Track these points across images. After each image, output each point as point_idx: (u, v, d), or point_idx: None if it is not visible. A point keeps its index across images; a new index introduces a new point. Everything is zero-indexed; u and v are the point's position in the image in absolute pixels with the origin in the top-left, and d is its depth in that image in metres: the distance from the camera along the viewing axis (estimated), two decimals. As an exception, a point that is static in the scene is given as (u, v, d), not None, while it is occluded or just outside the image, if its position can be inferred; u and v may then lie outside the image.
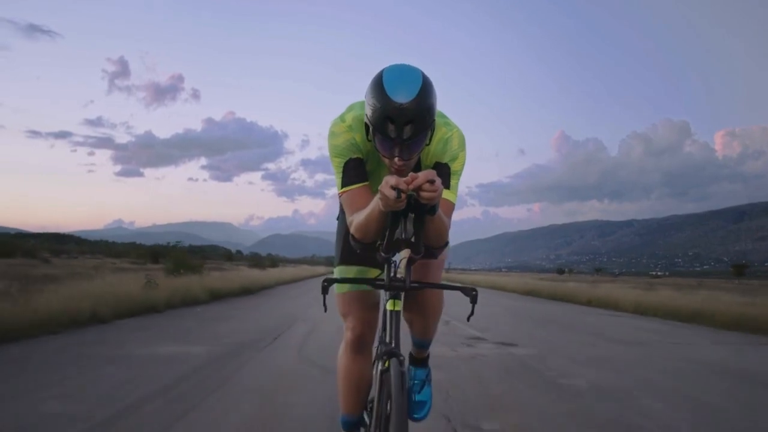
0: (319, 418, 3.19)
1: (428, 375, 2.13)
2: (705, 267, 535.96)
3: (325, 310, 1.70)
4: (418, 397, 2.02)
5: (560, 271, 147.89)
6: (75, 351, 5.37)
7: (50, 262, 29.92)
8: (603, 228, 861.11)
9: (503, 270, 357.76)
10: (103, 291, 8.56)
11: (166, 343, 6.05)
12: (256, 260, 55.59)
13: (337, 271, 2.07)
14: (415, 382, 2.06)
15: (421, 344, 2.09)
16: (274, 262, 57.65)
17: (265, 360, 5.25)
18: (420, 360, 2.12)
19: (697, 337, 8.72)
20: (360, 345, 2.00)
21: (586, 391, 4.27)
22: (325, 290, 1.61)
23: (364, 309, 1.99)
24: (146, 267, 22.92)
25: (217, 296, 13.00)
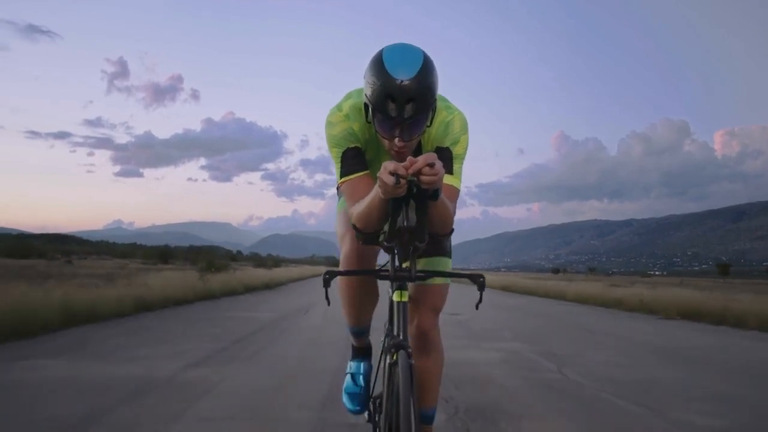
0: (341, 342, 5.59)
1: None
2: (704, 266, 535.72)
3: (329, 304, 1.60)
4: None
5: (555, 271, 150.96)
6: (200, 316, 8.81)
7: (72, 263, 30.92)
8: (602, 228, 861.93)
9: (502, 270, 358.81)
10: (174, 284, 11.61)
11: (245, 312, 9.78)
12: (260, 260, 56.74)
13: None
14: None
15: (423, 416, 1.88)
16: (276, 262, 58.77)
17: (305, 320, 8.64)
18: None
19: (596, 313, 12.66)
20: (360, 259, 1.81)
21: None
22: (326, 283, 1.54)
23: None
24: (172, 267, 24.04)
25: (250, 289, 16.37)
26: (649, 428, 3.10)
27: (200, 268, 18.00)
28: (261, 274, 22.65)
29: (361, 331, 2.02)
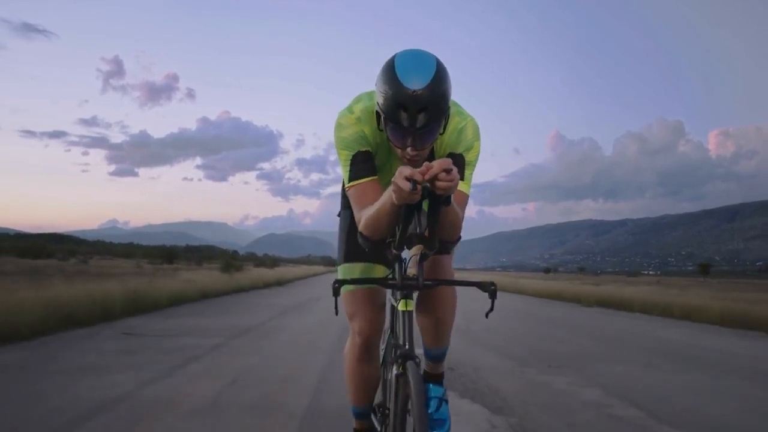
0: (343, 316, 8.30)
1: (445, 394, 1.91)
2: (697, 266, 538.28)
3: (337, 314, 1.62)
4: (436, 416, 1.84)
5: (546, 271, 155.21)
6: (251, 301, 12.52)
7: (87, 262, 31.96)
8: (597, 227, 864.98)
9: (498, 270, 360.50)
10: (210, 280, 14.15)
11: (275, 299, 13.24)
12: (260, 260, 57.85)
13: (341, 270, 1.98)
14: (432, 398, 1.85)
15: (436, 356, 1.95)
16: (275, 262, 59.90)
17: (318, 305, 11.71)
18: (435, 376, 1.98)
19: (544, 305, 15.35)
20: (367, 347, 1.92)
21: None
22: (336, 292, 1.53)
23: (373, 309, 1.89)
24: (184, 267, 25.26)
25: (267, 285, 19.71)
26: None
27: (223, 267, 20.66)
28: (269, 274, 24.72)
29: (365, 411, 2.02)
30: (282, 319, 8.68)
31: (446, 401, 1.86)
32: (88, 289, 7.88)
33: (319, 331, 7.11)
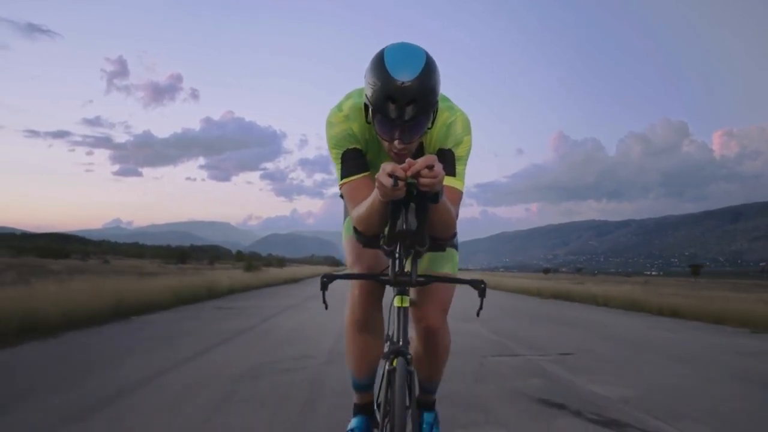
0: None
1: (436, 418, 1.97)
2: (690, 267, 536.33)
3: (326, 308, 1.62)
4: None
5: (546, 271, 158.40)
6: (281, 293, 14.76)
7: (109, 262, 33.33)
8: (600, 228, 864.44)
9: (501, 270, 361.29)
10: (240, 277, 16.52)
11: (297, 291, 16.09)
12: (266, 260, 59.23)
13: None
14: (424, 426, 1.91)
15: (428, 390, 1.97)
16: (283, 262, 61.36)
17: (334, 292, 13.72)
18: (427, 403, 1.99)
19: (508, 297, 17.16)
20: (366, 317, 1.87)
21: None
22: (324, 286, 1.54)
23: (371, 260, 1.82)
24: (200, 266, 26.68)
25: (286, 282, 22.56)
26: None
27: (246, 267, 23.42)
28: (282, 272, 26.59)
29: (364, 384, 1.93)
30: (306, 304, 11.25)
31: (437, 425, 1.97)
32: (172, 282, 10.87)
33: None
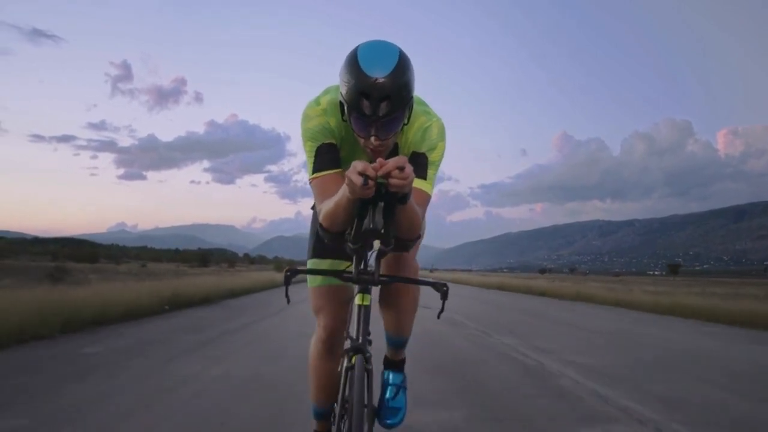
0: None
1: (404, 381, 1.97)
2: (705, 266, 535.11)
3: (288, 302, 1.61)
4: (392, 404, 1.87)
5: (542, 271, 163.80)
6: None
7: (146, 266, 35.59)
8: (604, 228, 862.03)
9: (505, 270, 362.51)
10: (272, 278, 19.54)
11: None
12: (278, 263, 61.78)
13: (309, 265, 1.97)
14: (390, 386, 1.92)
15: (396, 343, 1.97)
16: (293, 264, 63.89)
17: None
18: (395, 363, 2.00)
19: (481, 291, 21.47)
20: (331, 344, 1.90)
21: None
22: (287, 280, 1.53)
23: (338, 305, 1.88)
24: (221, 269, 29.19)
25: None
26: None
27: (275, 268, 24.58)
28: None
29: (324, 412, 1.97)
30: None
31: (405, 388, 1.94)
32: (224, 280, 14.11)
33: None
